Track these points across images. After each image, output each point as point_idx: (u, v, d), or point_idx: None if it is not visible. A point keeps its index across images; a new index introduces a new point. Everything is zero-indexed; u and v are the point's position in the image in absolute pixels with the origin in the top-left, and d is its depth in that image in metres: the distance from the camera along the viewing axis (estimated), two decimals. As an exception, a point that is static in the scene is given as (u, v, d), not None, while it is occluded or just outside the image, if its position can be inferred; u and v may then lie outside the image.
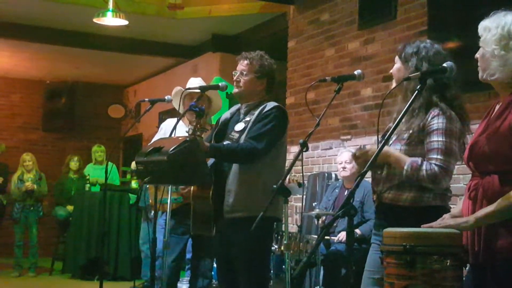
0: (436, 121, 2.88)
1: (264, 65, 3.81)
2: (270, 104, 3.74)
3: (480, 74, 2.55)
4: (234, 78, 3.81)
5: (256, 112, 3.72)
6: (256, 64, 3.79)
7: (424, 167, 2.82)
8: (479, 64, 2.54)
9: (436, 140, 2.85)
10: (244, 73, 3.78)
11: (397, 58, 3.11)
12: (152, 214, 6.11)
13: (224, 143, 3.70)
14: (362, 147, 3.04)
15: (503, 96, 2.53)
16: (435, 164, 2.81)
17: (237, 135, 3.71)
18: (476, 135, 2.57)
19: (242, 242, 3.59)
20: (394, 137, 2.98)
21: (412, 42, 3.10)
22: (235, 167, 3.66)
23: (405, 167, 2.85)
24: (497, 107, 2.55)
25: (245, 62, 3.80)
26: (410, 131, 2.93)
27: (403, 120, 2.96)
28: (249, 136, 3.63)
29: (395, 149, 2.95)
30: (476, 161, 2.49)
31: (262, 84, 3.81)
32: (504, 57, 2.44)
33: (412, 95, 2.62)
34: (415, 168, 2.83)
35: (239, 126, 3.74)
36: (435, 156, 2.83)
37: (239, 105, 3.95)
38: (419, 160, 2.85)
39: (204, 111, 3.57)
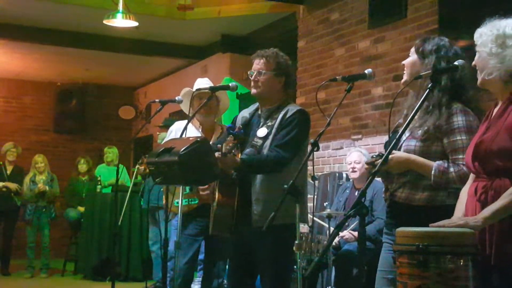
0: (456, 119, 2.86)
1: (281, 62, 3.75)
2: (293, 108, 3.71)
3: (478, 79, 2.57)
4: (252, 78, 3.75)
5: (279, 117, 3.68)
6: (273, 62, 3.73)
7: (451, 169, 2.80)
8: (477, 68, 2.56)
9: (460, 139, 2.83)
10: (262, 72, 3.72)
11: (412, 51, 3.08)
12: (157, 215, 6.11)
13: (247, 150, 3.67)
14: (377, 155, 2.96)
15: (502, 98, 2.54)
16: (462, 164, 2.78)
17: (260, 141, 3.67)
18: (478, 135, 2.57)
19: (272, 249, 3.58)
20: (407, 134, 2.96)
21: (431, 38, 3.08)
22: (260, 175, 3.65)
23: (432, 172, 2.83)
24: (496, 109, 2.56)
25: (262, 60, 3.74)
26: (425, 128, 2.90)
27: (416, 116, 2.95)
28: (275, 144, 3.60)
29: (409, 145, 2.92)
30: (483, 160, 2.49)
31: (280, 82, 3.76)
32: (501, 54, 2.47)
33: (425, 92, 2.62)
34: (443, 171, 2.81)
35: (262, 132, 3.70)
36: (461, 156, 2.80)
37: (256, 104, 3.90)
38: (444, 163, 2.83)
39: (243, 134, 3.54)
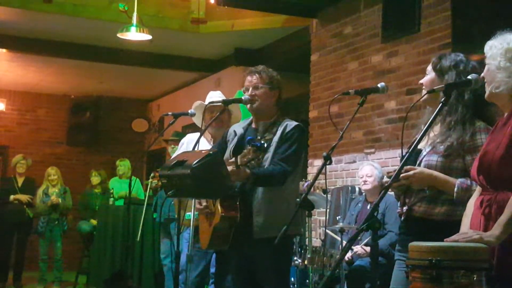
0: (479, 136, 2.85)
1: (273, 77, 3.86)
2: (291, 124, 3.78)
3: (486, 93, 2.57)
4: (248, 93, 3.82)
5: (279, 132, 3.75)
6: (266, 77, 3.83)
7: (474, 186, 2.77)
8: (485, 80, 2.56)
9: None
10: (259, 86, 3.81)
11: (430, 69, 3.06)
12: (175, 229, 6.14)
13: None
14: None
15: (507, 111, 2.54)
16: None
17: None
18: (483, 147, 2.57)
19: (273, 260, 3.65)
20: (428, 148, 2.95)
21: (447, 55, 3.07)
22: (260, 187, 3.70)
23: (456, 189, 2.81)
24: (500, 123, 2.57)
25: (255, 76, 3.83)
26: (448, 144, 2.89)
27: (438, 132, 2.95)
28: (278, 158, 3.67)
29: (430, 160, 2.91)
30: (487, 171, 2.49)
31: (275, 95, 3.85)
32: (510, 68, 2.48)
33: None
34: (466, 189, 2.80)
35: None
36: None
37: (250, 118, 3.97)
38: (467, 180, 2.81)
39: (265, 146, 3.57)
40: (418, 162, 2.93)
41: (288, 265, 3.89)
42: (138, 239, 7.64)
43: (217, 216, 3.72)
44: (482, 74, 2.59)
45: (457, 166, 2.88)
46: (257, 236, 3.65)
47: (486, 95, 2.59)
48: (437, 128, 2.99)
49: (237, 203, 3.71)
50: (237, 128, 3.98)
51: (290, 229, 3.46)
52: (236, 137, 3.91)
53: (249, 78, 3.85)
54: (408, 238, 2.90)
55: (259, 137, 3.68)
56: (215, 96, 5.03)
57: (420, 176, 2.85)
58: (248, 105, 3.84)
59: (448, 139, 2.90)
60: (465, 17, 5.58)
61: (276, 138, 3.73)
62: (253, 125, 3.91)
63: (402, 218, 3.03)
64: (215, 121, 4.43)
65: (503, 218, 2.38)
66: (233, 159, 3.57)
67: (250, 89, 3.82)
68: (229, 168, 3.52)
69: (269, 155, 3.69)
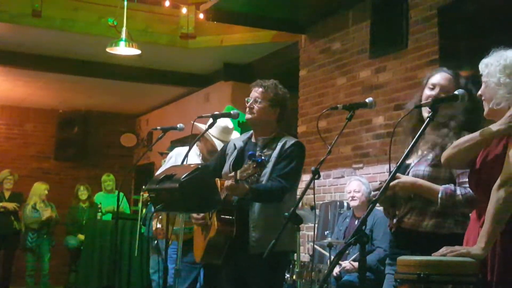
0: None
1: (278, 94, 3.83)
2: (290, 140, 3.79)
3: (485, 110, 2.58)
4: (248, 104, 3.83)
5: (278, 148, 3.75)
6: (271, 93, 3.81)
7: (458, 192, 2.81)
8: (483, 98, 2.57)
9: None
10: (258, 100, 3.80)
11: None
12: (155, 243, 6.19)
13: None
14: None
15: None
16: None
17: None
18: (480, 160, 2.59)
19: (266, 276, 3.64)
20: (416, 160, 2.97)
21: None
22: (258, 202, 3.70)
23: (439, 195, 2.83)
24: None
25: (260, 89, 3.82)
26: (436, 153, 2.91)
27: (425, 140, 2.96)
28: (277, 174, 3.67)
29: (418, 170, 2.93)
30: (482, 183, 2.50)
31: (275, 113, 3.84)
32: (510, 84, 2.47)
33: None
34: (450, 194, 2.82)
35: None
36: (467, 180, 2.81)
37: (250, 132, 3.97)
38: (451, 186, 2.84)
39: (265, 161, 3.56)
40: (406, 173, 2.96)
41: (281, 282, 3.87)
42: (136, 254, 7.59)
43: (212, 229, 3.72)
44: (479, 92, 2.60)
45: (444, 176, 2.91)
46: (252, 251, 3.64)
47: (485, 112, 2.59)
48: (423, 145, 3.01)
49: (234, 217, 3.70)
50: (237, 141, 3.98)
51: (286, 245, 3.54)
52: (236, 151, 3.90)
53: (254, 89, 3.85)
54: (398, 251, 2.92)
55: (259, 153, 3.67)
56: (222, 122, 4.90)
57: (403, 186, 2.88)
58: (246, 115, 3.84)
59: (436, 149, 2.92)
60: (452, 34, 5.63)
61: (275, 154, 3.73)
62: (253, 139, 3.91)
63: (392, 230, 3.04)
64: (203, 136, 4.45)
65: (485, 228, 2.39)
66: (232, 173, 3.57)
67: (251, 100, 3.83)
68: (228, 182, 3.52)
69: (267, 170, 3.68)
